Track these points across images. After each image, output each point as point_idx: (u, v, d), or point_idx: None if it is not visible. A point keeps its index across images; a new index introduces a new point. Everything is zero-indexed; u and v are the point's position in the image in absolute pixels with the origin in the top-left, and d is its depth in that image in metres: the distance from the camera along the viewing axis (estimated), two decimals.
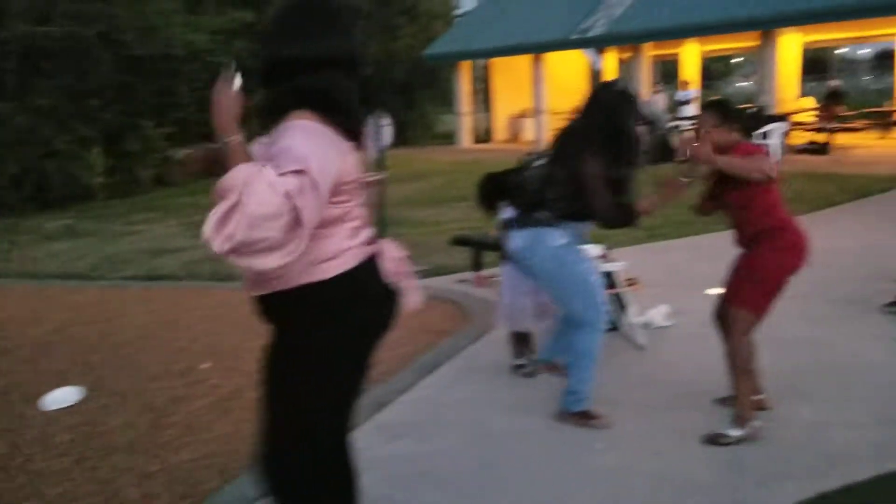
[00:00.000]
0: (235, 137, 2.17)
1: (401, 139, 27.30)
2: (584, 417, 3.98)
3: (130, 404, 4.52)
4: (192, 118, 18.52)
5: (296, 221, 2.04)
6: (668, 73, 28.29)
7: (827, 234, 8.62)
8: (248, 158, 2.14)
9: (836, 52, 31.00)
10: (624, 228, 4.01)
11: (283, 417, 2.38)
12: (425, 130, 31.02)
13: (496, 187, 4.31)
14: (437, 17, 27.97)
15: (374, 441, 3.87)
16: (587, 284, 3.93)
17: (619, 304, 5.38)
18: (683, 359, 4.93)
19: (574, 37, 20.43)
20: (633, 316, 5.37)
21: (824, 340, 5.09)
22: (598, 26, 20.02)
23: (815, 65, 33.21)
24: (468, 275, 7.23)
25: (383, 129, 7.12)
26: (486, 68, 26.67)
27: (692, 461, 3.59)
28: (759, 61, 17.83)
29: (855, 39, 25.37)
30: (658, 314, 5.56)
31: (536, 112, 21.59)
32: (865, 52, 33.98)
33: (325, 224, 2.21)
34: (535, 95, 21.76)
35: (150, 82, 18.15)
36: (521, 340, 4.83)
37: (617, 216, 3.86)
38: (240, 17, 20.44)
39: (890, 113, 20.37)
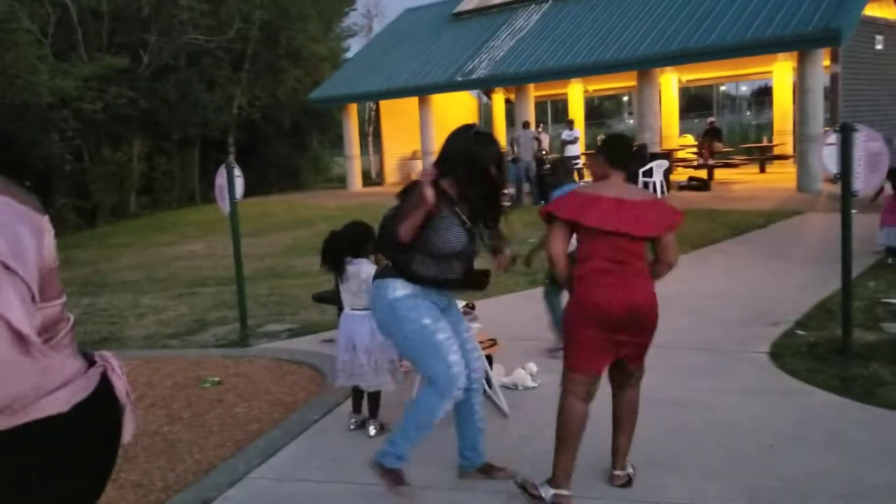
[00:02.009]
0: None
1: (293, 184, 26.84)
2: (392, 478, 3.50)
3: None
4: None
5: None
6: (562, 112, 28.63)
7: (707, 276, 8.52)
8: None
9: (721, 89, 32.05)
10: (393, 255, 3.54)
11: None
12: (318, 174, 30.57)
13: (340, 244, 4.39)
14: (323, 59, 27.59)
15: None
16: (429, 343, 3.43)
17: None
18: (546, 428, 4.52)
19: (458, 78, 20.41)
20: (497, 378, 4.98)
21: (697, 398, 4.78)
22: (481, 68, 20.06)
23: (699, 102, 34.22)
24: (333, 333, 6.73)
25: (236, 180, 6.60)
26: (376, 111, 26.40)
27: None
28: (640, 100, 18.08)
29: (731, 78, 26.22)
30: (525, 374, 5.18)
31: (424, 153, 21.39)
32: (745, 89, 35.24)
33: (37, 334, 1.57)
34: (423, 137, 21.55)
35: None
36: (359, 398, 4.64)
37: (391, 240, 3.42)
38: (113, 63, 19.66)
39: (770, 148, 20.96)
